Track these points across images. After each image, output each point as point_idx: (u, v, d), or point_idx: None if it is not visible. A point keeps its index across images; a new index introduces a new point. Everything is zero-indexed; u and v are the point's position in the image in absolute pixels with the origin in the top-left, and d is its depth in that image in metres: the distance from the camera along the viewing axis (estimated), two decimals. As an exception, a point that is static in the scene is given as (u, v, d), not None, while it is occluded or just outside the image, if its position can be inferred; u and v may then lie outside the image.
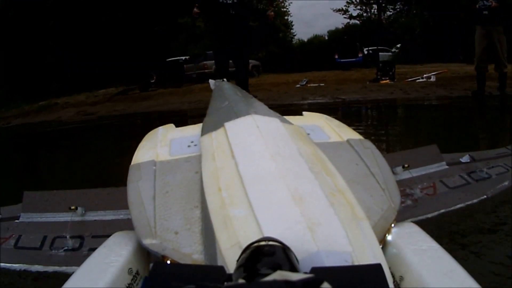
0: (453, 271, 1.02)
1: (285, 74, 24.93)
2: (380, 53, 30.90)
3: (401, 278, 1.07)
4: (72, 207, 2.33)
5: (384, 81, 16.26)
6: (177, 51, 28.90)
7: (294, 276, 0.60)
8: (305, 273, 0.73)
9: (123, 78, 24.13)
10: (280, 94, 13.66)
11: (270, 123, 1.63)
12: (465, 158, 2.88)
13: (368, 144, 1.71)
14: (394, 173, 2.45)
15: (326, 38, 46.45)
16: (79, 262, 1.36)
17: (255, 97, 3.97)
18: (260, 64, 29.31)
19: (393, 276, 1.08)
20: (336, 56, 31.33)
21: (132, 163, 1.61)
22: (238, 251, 0.86)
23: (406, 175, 2.63)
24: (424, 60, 29.52)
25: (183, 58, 27.10)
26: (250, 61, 25.24)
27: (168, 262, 1.15)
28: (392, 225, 1.27)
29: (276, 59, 38.07)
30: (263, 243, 0.83)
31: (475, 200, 2.50)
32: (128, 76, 24.29)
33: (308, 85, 17.46)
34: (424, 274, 1.02)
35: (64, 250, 2.19)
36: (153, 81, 24.20)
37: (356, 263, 0.92)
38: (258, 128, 1.53)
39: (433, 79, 15.85)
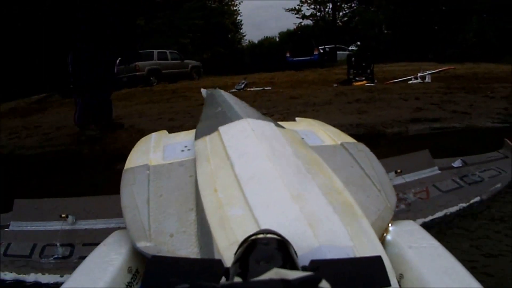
0: (453, 269, 0.98)
1: (228, 76, 21.91)
2: (338, 52, 28.05)
3: (401, 276, 1.01)
4: (63, 215, 2.10)
5: (360, 83, 12.18)
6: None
7: (291, 275, 0.56)
8: (304, 266, 0.72)
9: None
10: (186, 109, 8.34)
11: (264, 126, 1.61)
12: (457, 163, 2.71)
13: (362, 147, 1.69)
14: None
15: (277, 39, 43.31)
16: (69, 270, 1.61)
17: None
18: (200, 65, 25.58)
19: (394, 273, 0.98)
20: (288, 55, 26.78)
21: (125, 168, 1.55)
22: (236, 249, 0.83)
23: (399, 180, 2.42)
24: (388, 59, 25.52)
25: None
26: (189, 61, 24.25)
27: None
28: (390, 224, 1.22)
29: (223, 60, 34.87)
30: (261, 235, 0.79)
31: (468, 203, 2.35)
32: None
33: (248, 89, 13.07)
34: (424, 272, 0.97)
35: (54, 258, 1.96)
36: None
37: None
38: (253, 131, 1.50)
39: (428, 79, 12.11)
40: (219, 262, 0.78)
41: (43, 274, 1.88)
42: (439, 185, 2.43)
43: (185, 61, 23.84)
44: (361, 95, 8.69)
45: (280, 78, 16.48)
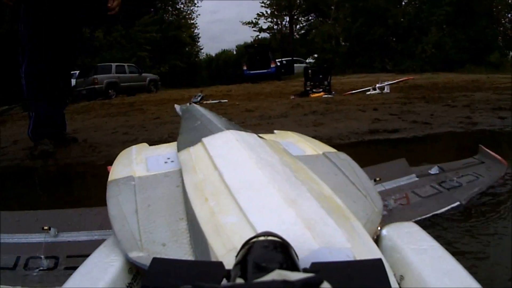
0: (454, 271, 0.94)
1: (186, 89, 21.91)
2: (295, 65, 28.18)
3: (402, 277, 0.97)
4: (45, 228, 1.90)
5: (317, 95, 11.96)
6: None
7: (293, 276, 0.55)
8: (305, 269, 0.71)
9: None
10: (141, 123, 7.80)
11: (248, 137, 1.56)
12: (434, 170, 2.58)
13: (344, 156, 1.67)
14: None
15: (235, 52, 43.91)
16: (54, 281, 1.53)
17: None
18: (158, 78, 25.80)
19: (393, 276, 0.95)
20: (245, 68, 27.00)
21: (109, 180, 1.45)
22: (235, 256, 0.79)
23: (378, 188, 2.24)
24: (347, 71, 26.60)
25: (76, 72, 22.37)
26: (147, 75, 24.16)
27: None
28: (379, 228, 1.19)
29: (180, 73, 35.27)
30: (262, 238, 0.77)
31: (448, 206, 2.26)
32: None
33: (205, 102, 12.66)
34: (424, 273, 0.93)
35: (39, 270, 1.77)
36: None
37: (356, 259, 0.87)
38: (237, 141, 1.45)
39: (387, 90, 11.88)
40: (220, 264, 0.76)
41: (29, 286, 1.74)
42: (418, 191, 2.35)
43: (143, 74, 23.88)
44: (317, 107, 8.43)
45: (237, 91, 16.39)
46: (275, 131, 2.30)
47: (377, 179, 2.27)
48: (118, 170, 1.57)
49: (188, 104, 4.33)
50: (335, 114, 7.17)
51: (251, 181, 1.14)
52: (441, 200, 2.31)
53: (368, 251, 0.91)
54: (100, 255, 1.09)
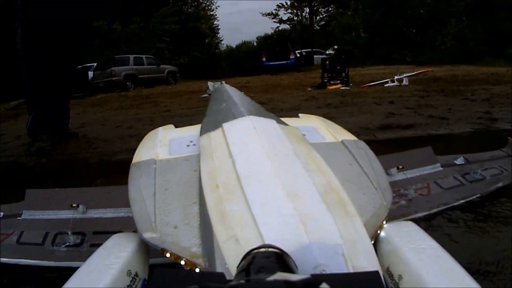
0: (452, 270, 0.95)
1: (205, 81, 19.01)
2: (315, 56, 28.25)
3: (400, 277, 0.98)
4: (74, 205, 2.10)
5: (334, 86, 11.59)
6: (91, 57, 25.00)
7: (294, 277, 0.58)
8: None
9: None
10: (150, 116, 7.74)
11: (266, 124, 1.62)
12: (460, 160, 2.61)
13: (362, 145, 1.68)
14: (389, 174, 2.33)
15: (255, 44, 43.89)
16: (80, 257, 1.74)
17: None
18: (177, 70, 25.68)
19: (392, 275, 1.02)
20: (264, 59, 26.86)
21: (133, 162, 1.58)
22: (234, 244, 0.91)
23: (400, 176, 2.38)
24: (366, 62, 25.97)
25: (94, 65, 23.28)
26: (166, 66, 24.00)
27: (168, 261, 1.12)
28: (384, 222, 1.21)
29: (200, 65, 35.42)
30: (263, 249, 0.79)
31: (468, 199, 2.31)
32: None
33: None
34: (423, 273, 0.93)
35: (66, 246, 1.98)
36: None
37: (346, 256, 0.89)
38: (255, 129, 1.51)
39: (405, 82, 11.50)
40: (222, 275, 0.78)
41: (55, 261, 1.90)
42: (440, 182, 2.41)
43: (162, 66, 23.84)
44: (333, 99, 8.26)
45: (255, 83, 16.22)
46: (300, 114, 2.34)
47: (400, 167, 2.34)
48: (142, 152, 1.65)
49: (220, 82, 4.54)
50: (349, 107, 6.98)
51: (260, 172, 1.17)
52: (461, 193, 2.32)
53: (361, 249, 0.92)
54: (99, 257, 1.09)
